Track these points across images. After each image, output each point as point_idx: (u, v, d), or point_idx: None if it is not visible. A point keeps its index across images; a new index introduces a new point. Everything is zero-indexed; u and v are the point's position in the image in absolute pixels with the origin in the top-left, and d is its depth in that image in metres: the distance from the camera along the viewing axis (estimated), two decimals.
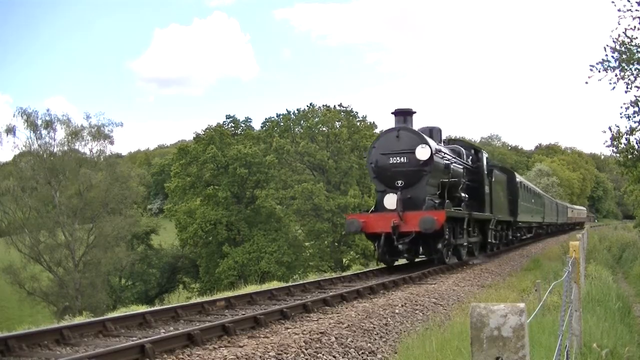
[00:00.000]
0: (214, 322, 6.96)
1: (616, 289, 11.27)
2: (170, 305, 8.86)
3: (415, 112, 15.40)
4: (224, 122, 48.21)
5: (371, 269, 16.19)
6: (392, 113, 15.24)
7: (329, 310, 8.64)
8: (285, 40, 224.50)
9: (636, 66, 16.25)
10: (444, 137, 19.13)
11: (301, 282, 12.65)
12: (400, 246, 13.91)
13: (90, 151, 42.20)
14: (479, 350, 1.49)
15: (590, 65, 16.82)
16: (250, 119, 50.74)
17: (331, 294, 9.57)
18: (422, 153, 14.26)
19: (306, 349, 6.19)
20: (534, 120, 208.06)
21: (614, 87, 16.51)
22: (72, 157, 40.80)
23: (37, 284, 37.84)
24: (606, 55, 16.56)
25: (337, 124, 46.86)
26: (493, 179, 20.28)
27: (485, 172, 19.60)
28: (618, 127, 17.41)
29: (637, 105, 16.70)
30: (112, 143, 42.73)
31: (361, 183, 45.59)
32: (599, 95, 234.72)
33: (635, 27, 16.05)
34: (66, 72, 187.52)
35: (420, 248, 15.71)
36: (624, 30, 16.18)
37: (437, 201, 14.88)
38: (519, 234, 28.37)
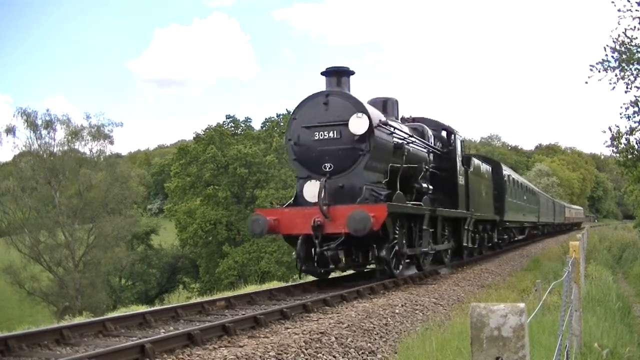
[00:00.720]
0: (214, 322, 6.96)
1: (616, 289, 11.27)
2: (170, 305, 8.86)
3: (353, 73, 11.58)
4: (224, 122, 48.29)
5: (301, 282, 12.56)
6: (321, 73, 11.41)
7: (329, 310, 8.64)
8: (285, 40, 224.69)
9: (636, 66, 16.26)
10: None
11: (301, 282, 12.64)
12: (327, 253, 10.44)
13: (90, 151, 42.27)
14: (479, 350, 1.49)
15: (590, 65, 16.84)
16: (250, 119, 50.82)
17: (331, 294, 9.57)
18: (357, 125, 10.58)
19: (306, 349, 6.19)
20: (534, 120, 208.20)
21: (614, 87, 16.52)
22: (72, 157, 40.84)
23: (37, 284, 37.87)
24: (606, 55, 16.58)
25: None
26: (471, 169, 17.05)
27: (460, 159, 16.10)
28: (618, 127, 17.43)
29: (637, 105, 16.70)
30: (112, 143, 42.77)
31: None
32: (599, 95, 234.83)
33: (635, 27, 16.06)
34: (66, 72, 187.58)
35: (369, 254, 11.61)
36: (624, 30, 16.19)
37: (383, 192, 11.14)
38: (506, 236, 24.78)
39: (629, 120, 17.12)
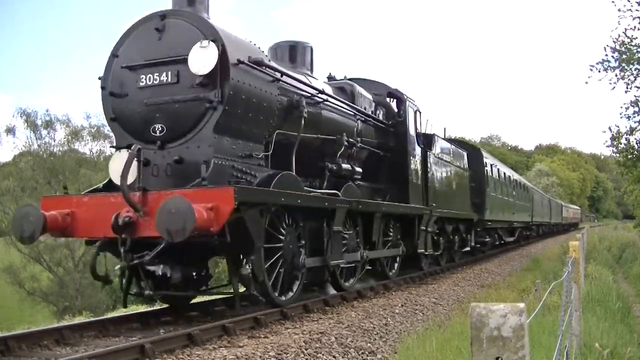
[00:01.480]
0: (214, 322, 6.96)
1: (616, 289, 11.27)
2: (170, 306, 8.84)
3: None
4: None
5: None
6: None
7: (329, 310, 8.64)
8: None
9: (636, 66, 16.27)
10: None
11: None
12: (153, 269, 6.86)
13: (90, 151, 42.24)
14: (478, 350, 1.49)
15: (590, 65, 16.85)
16: None
17: (331, 294, 9.57)
18: (199, 59, 6.83)
19: (306, 349, 6.19)
20: (534, 120, 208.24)
21: (614, 87, 16.54)
22: (72, 157, 40.83)
23: (37, 284, 37.85)
24: (606, 55, 16.59)
25: None
26: (434, 152, 13.71)
27: (414, 137, 12.48)
28: (618, 127, 17.45)
29: (637, 105, 16.71)
30: (112, 143, 42.75)
31: None
32: (599, 95, 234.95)
33: (635, 27, 16.07)
34: (66, 72, 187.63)
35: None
36: (624, 30, 16.21)
37: (259, 172, 7.51)
38: (489, 238, 20.38)
39: (629, 120, 17.15)
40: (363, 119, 10.96)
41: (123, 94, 7.37)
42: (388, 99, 12.64)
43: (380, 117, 11.94)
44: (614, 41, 16.36)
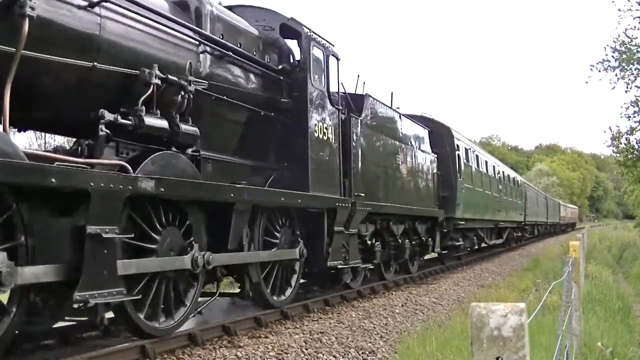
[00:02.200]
0: (214, 322, 6.96)
1: (616, 289, 11.27)
2: None
3: None
4: None
5: None
6: None
7: (329, 310, 8.64)
8: None
9: (636, 66, 16.28)
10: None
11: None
12: None
13: None
14: (479, 350, 1.49)
15: (591, 65, 16.87)
16: None
17: (331, 294, 9.57)
18: None
19: (306, 349, 6.20)
20: (534, 120, 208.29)
21: (614, 87, 16.56)
22: None
23: None
24: (606, 55, 16.61)
25: None
26: (365, 120, 9.93)
27: (320, 93, 8.62)
28: (618, 127, 17.48)
29: (637, 105, 16.72)
30: None
31: None
32: (599, 95, 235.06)
33: (635, 26, 16.09)
34: None
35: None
36: (624, 30, 16.22)
37: None
38: (463, 242, 16.24)
39: (629, 120, 17.17)
40: (219, 53, 6.94)
41: None
42: (284, 37, 8.58)
43: (262, 58, 7.86)
44: (614, 41, 16.39)
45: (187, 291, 6.16)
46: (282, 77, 8.14)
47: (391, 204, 10.82)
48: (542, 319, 7.00)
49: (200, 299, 6.45)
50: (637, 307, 10.81)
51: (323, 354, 6.16)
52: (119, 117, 5.38)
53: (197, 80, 6.35)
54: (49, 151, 5.64)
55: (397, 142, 11.57)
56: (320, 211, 8.36)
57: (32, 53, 4.71)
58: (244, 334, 6.72)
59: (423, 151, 13.27)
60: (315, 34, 8.60)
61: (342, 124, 9.15)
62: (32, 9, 4.58)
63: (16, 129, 5.51)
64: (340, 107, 9.13)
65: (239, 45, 7.35)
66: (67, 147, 5.91)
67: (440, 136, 15.03)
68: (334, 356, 6.21)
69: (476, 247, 18.98)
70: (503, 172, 23.48)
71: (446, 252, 15.64)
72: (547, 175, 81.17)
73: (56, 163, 4.68)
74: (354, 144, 9.35)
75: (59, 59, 4.98)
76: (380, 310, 8.74)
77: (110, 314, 5.32)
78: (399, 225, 11.62)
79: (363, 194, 9.42)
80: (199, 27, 6.74)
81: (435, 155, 14.06)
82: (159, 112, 5.85)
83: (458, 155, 15.60)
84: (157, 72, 5.75)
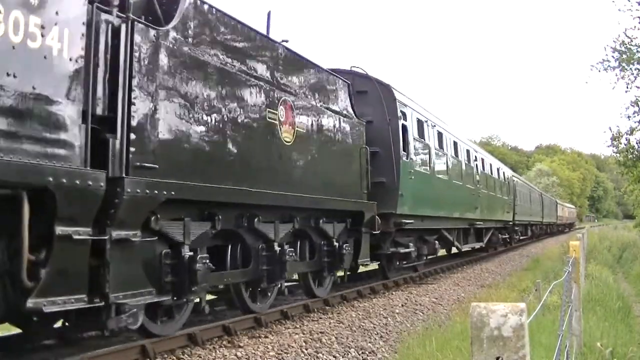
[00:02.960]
0: (215, 322, 6.96)
1: (616, 289, 11.27)
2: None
3: None
4: None
5: None
6: None
7: (329, 310, 8.64)
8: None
9: (636, 66, 16.29)
10: None
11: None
12: None
13: None
14: (479, 350, 1.49)
15: (591, 65, 16.89)
16: None
17: (332, 294, 9.57)
18: None
19: (306, 349, 6.20)
20: (534, 120, 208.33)
21: (614, 87, 16.59)
22: None
23: None
24: (606, 55, 16.63)
25: None
26: (171, 35, 5.65)
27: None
28: (618, 127, 17.50)
29: (637, 105, 16.74)
30: None
31: None
32: (599, 95, 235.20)
33: (635, 26, 16.10)
34: None
35: None
36: (624, 30, 16.24)
37: None
38: (414, 249, 12.06)
39: (629, 120, 17.18)
40: None
41: None
42: None
43: None
44: (614, 41, 16.40)
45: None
46: None
47: (249, 187, 6.61)
48: (542, 319, 7.00)
49: None
50: (637, 307, 10.81)
51: (323, 354, 6.16)
52: None
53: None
54: None
55: (271, 87, 7.31)
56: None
57: None
58: (244, 333, 6.72)
59: (337, 113, 9.06)
60: None
61: (109, 33, 4.96)
62: None
63: None
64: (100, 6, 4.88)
65: None
66: None
67: (378, 100, 10.81)
68: (334, 356, 6.21)
69: (435, 254, 14.44)
70: (483, 160, 19.16)
71: (379, 263, 11.39)
72: (547, 175, 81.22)
73: None
74: (140, 74, 5.19)
75: None
76: (380, 310, 8.74)
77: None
78: (278, 225, 7.35)
79: (156, 166, 5.28)
80: None
81: (363, 123, 9.90)
82: None
83: (403, 126, 11.10)
84: None
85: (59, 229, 4.24)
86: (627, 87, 16.58)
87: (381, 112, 10.85)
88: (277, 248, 7.27)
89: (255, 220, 6.85)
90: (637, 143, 17.46)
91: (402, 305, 9.44)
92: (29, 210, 4.03)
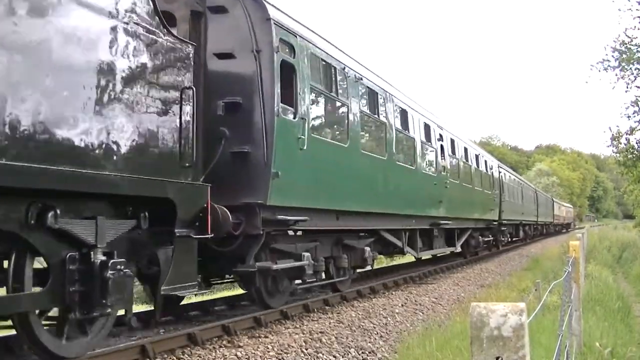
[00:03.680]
0: (214, 322, 6.96)
1: (616, 289, 11.28)
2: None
3: None
4: None
5: None
6: None
7: (329, 310, 8.64)
8: None
9: (636, 66, 16.30)
10: None
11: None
12: None
13: None
14: (479, 349, 1.49)
15: (591, 65, 16.91)
16: None
17: (332, 294, 9.56)
18: None
19: (306, 349, 6.20)
20: (534, 120, 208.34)
21: (614, 87, 16.62)
22: None
23: None
24: (606, 54, 16.64)
25: None
26: None
27: None
28: (618, 127, 17.51)
29: (637, 105, 16.75)
30: None
31: None
32: (599, 95, 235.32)
33: (635, 26, 16.11)
34: None
35: None
36: (624, 30, 16.25)
37: None
38: (307, 262, 7.70)
39: (629, 119, 17.20)
40: None
41: None
42: None
43: None
44: (614, 41, 16.42)
45: None
46: None
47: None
48: (542, 319, 7.00)
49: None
50: (637, 307, 10.82)
51: (323, 354, 6.16)
52: None
53: None
54: None
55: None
56: None
57: None
58: (243, 333, 6.72)
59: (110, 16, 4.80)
60: None
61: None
62: None
63: None
64: None
65: None
66: None
67: (242, 22, 6.97)
68: (334, 356, 6.22)
69: (372, 265, 11.21)
70: (454, 141, 15.20)
71: (295, 283, 8.26)
72: (547, 175, 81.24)
73: None
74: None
75: None
76: (380, 310, 8.74)
77: None
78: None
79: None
80: None
81: (188, 48, 5.73)
82: None
83: (286, 64, 7.18)
84: None
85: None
86: (627, 87, 16.61)
87: (246, 40, 6.95)
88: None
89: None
90: (637, 143, 17.48)
91: (402, 305, 9.44)
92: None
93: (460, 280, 13.45)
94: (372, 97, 10.04)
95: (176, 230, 5.39)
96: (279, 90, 6.91)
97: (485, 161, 19.87)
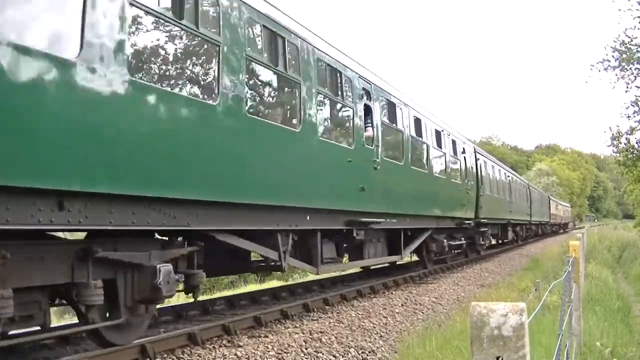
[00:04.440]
0: (214, 321, 6.96)
1: (616, 289, 11.28)
2: (170, 305, 8.87)
3: None
4: None
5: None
6: None
7: (329, 309, 8.64)
8: None
9: (636, 66, 16.30)
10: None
11: (302, 281, 12.64)
12: None
13: None
14: (479, 349, 1.49)
15: (591, 65, 16.91)
16: None
17: (332, 293, 9.57)
18: None
19: (306, 348, 6.20)
20: (534, 120, 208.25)
21: (614, 87, 16.66)
22: None
23: None
24: (606, 54, 16.65)
25: None
26: None
27: None
28: (618, 127, 17.52)
29: (637, 105, 16.75)
30: None
31: None
32: (599, 95, 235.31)
33: (635, 26, 16.12)
34: None
35: None
36: (624, 30, 16.26)
37: None
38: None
39: (629, 119, 17.20)
40: None
41: None
42: None
43: None
44: (614, 40, 16.42)
45: None
46: None
47: None
48: (542, 318, 6.99)
49: None
50: (637, 307, 10.81)
51: (323, 354, 6.16)
52: None
53: None
54: None
55: None
56: None
57: None
58: (243, 333, 6.72)
59: None
60: None
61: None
62: None
63: None
64: None
65: None
66: None
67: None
68: (334, 356, 6.21)
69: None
70: (392, 103, 10.99)
71: None
72: (547, 175, 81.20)
73: None
74: None
75: None
76: (380, 310, 8.74)
77: None
78: None
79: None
80: None
81: None
82: None
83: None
84: None
85: None
86: (627, 87, 16.61)
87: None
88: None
89: None
90: (637, 143, 17.47)
91: (402, 305, 9.44)
92: None
93: (460, 280, 13.45)
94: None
95: None
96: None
97: (454, 142, 15.24)
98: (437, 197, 13.55)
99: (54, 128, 4.17)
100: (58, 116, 4.20)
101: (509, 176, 24.76)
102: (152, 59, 5.52)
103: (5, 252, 4.07)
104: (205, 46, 5.99)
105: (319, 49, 8.20)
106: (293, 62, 7.52)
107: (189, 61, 5.99)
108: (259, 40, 7.13)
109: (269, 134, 6.91)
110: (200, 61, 6.18)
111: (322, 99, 8.38)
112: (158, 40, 5.52)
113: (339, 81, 8.87)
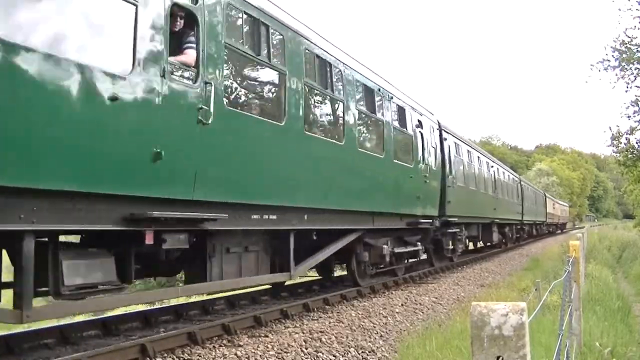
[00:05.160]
0: (215, 321, 6.96)
1: (616, 289, 11.28)
2: (171, 304, 8.87)
3: None
4: None
5: None
6: None
7: (329, 309, 8.64)
8: None
9: (636, 66, 16.30)
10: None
11: (301, 280, 12.63)
12: None
13: None
14: (479, 349, 1.49)
15: (591, 65, 16.91)
16: None
17: (332, 293, 9.57)
18: None
19: (306, 348, 6.20)
20: (533, 120, 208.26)
21: (614, 87, 16.68)
22: None
23: None
24: (606, 54, 16.65)
25: None
26: None
27: None
28: (618, 127, 17.53)
29: (637, 105, 16.75)
30: None
31: None
32: (599, 95, 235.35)
33: (635, 26, 16.12)
34: None
35: None
36: (624, 30, 16.27)
37: None
38: None
39: (629, 119, 17.21)
40: None
41: None
42: None
43: None
44: (614, 40, 16.43)
45: None
46: None
47: None
48: (542, 318, 7.00)
49: None
50: (637, 307, 10.81)
51: (323, 353, 6.16)
52: None
53: None
54: None
55: None
56: None
57: None
58: (243, 332, 6.72)
59: None
60: None
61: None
62: None
63: None
64: None
65: None
66: None
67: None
68: (334, 355, 6.21)
69: None
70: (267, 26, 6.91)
71: None
72: (547, 175, 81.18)
73: None
74: None
75: None
76: (380, 310, 8.74)
77: None
78: None
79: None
80: None
81: None
82: None
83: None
84: None
85: None
86: (627, 87, 16.61)
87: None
88: None
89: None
90: (637, 143, 17.48)
91: (402, 305, 9.44)
92: None
93: (460, 280, 13.45)
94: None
95: None
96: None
97: (401, 109, 11.34)
98: (367, 184, 9.56)
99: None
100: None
101: (492, 166, 20.68)
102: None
103: None
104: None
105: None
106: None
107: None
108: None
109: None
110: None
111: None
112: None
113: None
